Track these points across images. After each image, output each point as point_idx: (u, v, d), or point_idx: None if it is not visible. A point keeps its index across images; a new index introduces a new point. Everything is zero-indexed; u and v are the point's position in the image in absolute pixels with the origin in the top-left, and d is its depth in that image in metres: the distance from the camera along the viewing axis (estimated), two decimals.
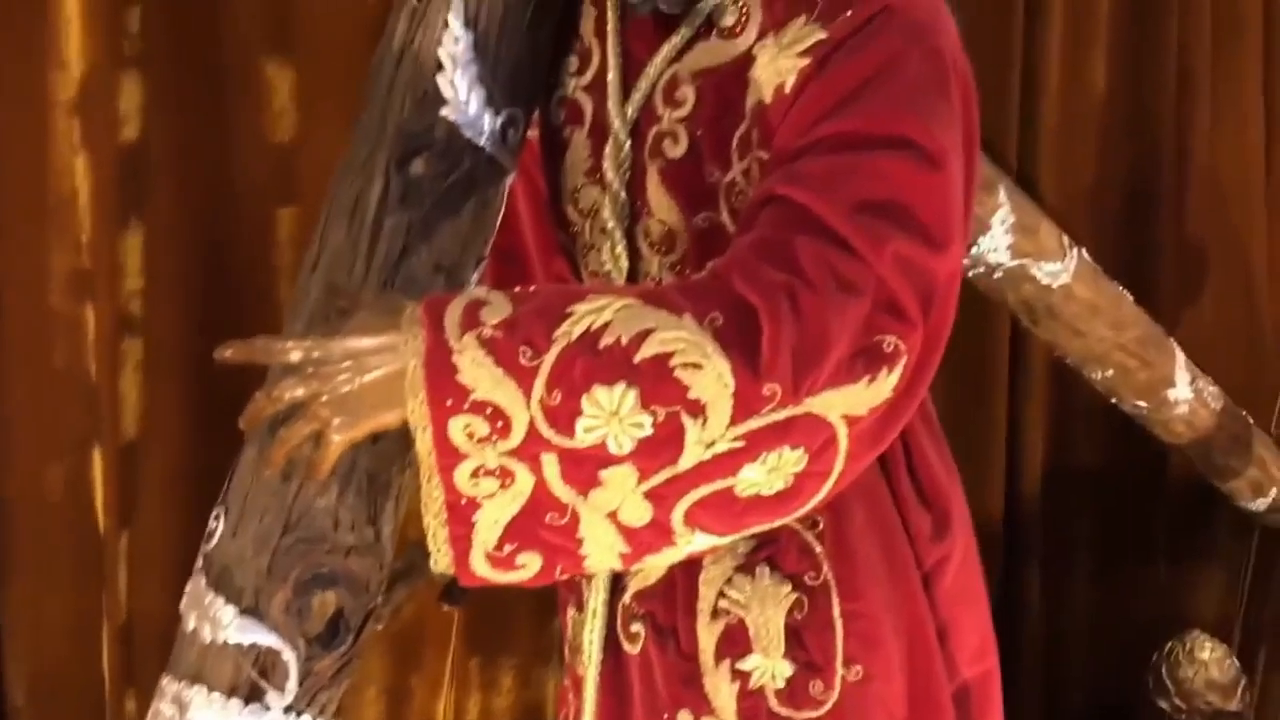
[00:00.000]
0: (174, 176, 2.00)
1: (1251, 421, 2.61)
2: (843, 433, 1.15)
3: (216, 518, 1.24)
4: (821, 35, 1.22)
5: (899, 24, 1.21)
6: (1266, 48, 2.65)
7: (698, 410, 1.10)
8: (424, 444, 1.12)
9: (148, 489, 2.06)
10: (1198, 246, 2.70)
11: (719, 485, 1.14)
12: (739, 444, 1.12)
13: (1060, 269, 2.19)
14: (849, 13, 1.22)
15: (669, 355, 1.10)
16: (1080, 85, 2.52)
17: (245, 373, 1.17)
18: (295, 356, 1.13)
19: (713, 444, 1.11)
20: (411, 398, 1.11)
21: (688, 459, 1.12)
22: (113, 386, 2.02)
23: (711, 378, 1.10)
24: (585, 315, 1.11)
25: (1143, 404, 2.44)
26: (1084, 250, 2.27)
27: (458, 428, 1.11)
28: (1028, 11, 2.46)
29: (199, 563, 1.23)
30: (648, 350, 1.10)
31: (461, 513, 1.13)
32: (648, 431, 1.10)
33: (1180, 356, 2.46)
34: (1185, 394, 2.46)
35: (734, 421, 1.11)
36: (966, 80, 1.25)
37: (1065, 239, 2.22)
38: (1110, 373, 2.38)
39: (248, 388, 1.18)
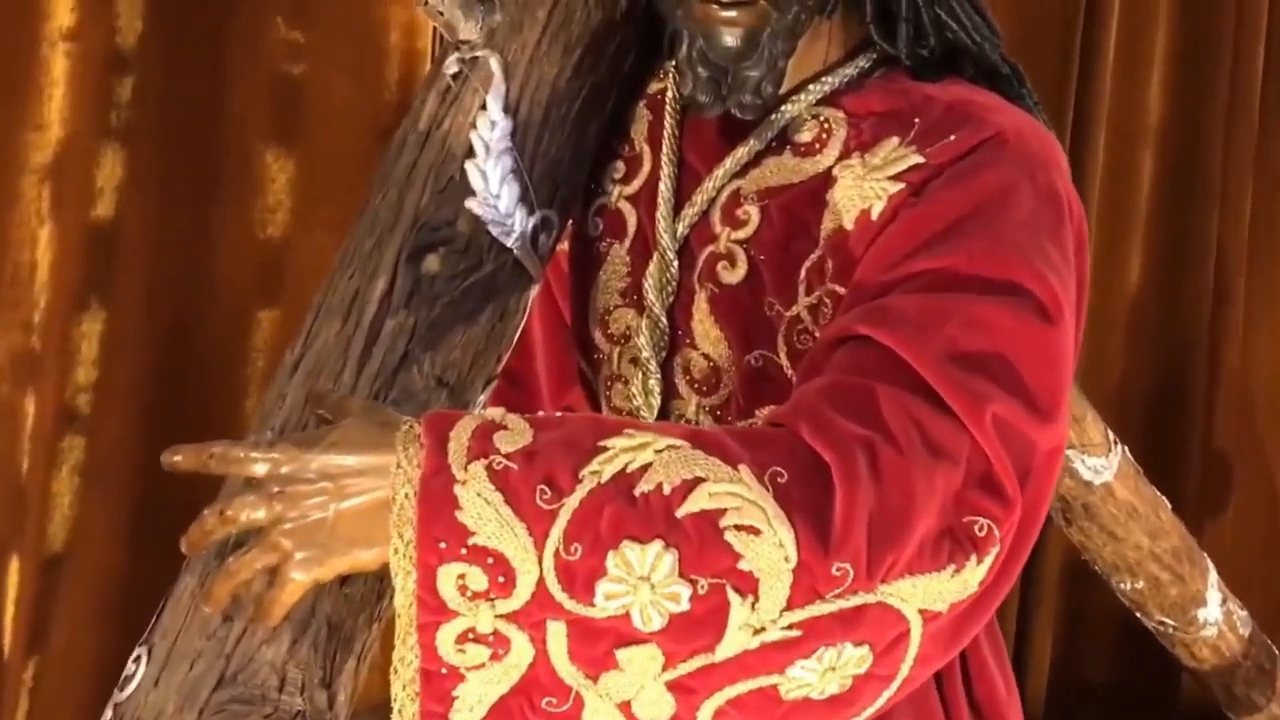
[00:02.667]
0: (146, 261, 1.88)
1: (1278, 653, 2.45)
2: (916, 630, 0.96)
3: (136, 660, 1.04)
4: (918, 160, 1.07)
5: (1011, 154, 1.05)
6: None
7: (748, 586, 0.92)
8: (405, 593, 0.93)
9: (67, 611, 1.87)
10: (1224, 456, 2.63)
11: (762, 683, 0.95)
12: (793, 634, 0.93)
13: (1104, 465, 2.03)
14: (952, 137, 1.06)
15: (719, 513, 0.91)
16: (1113, 278, 2.47)
17: (197, 488, 1.01)
18: (260, 469, 0.94)
19: (762, 630, 0.93)
20: (397, 534, 0.92)
21: (728, 646, 0.93)
22: (44, 488, 1.85)
23: (770, 547, 0.91)
24: (621, 453, 0.92)
25: (1169, 621, 2.28)
26: (1127, 449, 2.12)
27: (449, 577, 0.92)
28: None
29: (107, 714, 1.02)
30: (694, 504, 0.91)
31: (439, 685, 0.94)
32: (684, 606, 0.92)
33: (1213, 575, 2.31)
34: (1215, 615, 2.31)
35: (791, 605, 0.92)
36: (1081, 227, 1.09)
37: (1110, 433, 2.07)
38: (1140, 584, 2.21)
39: (199, 506, 0.98)
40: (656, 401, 1.18)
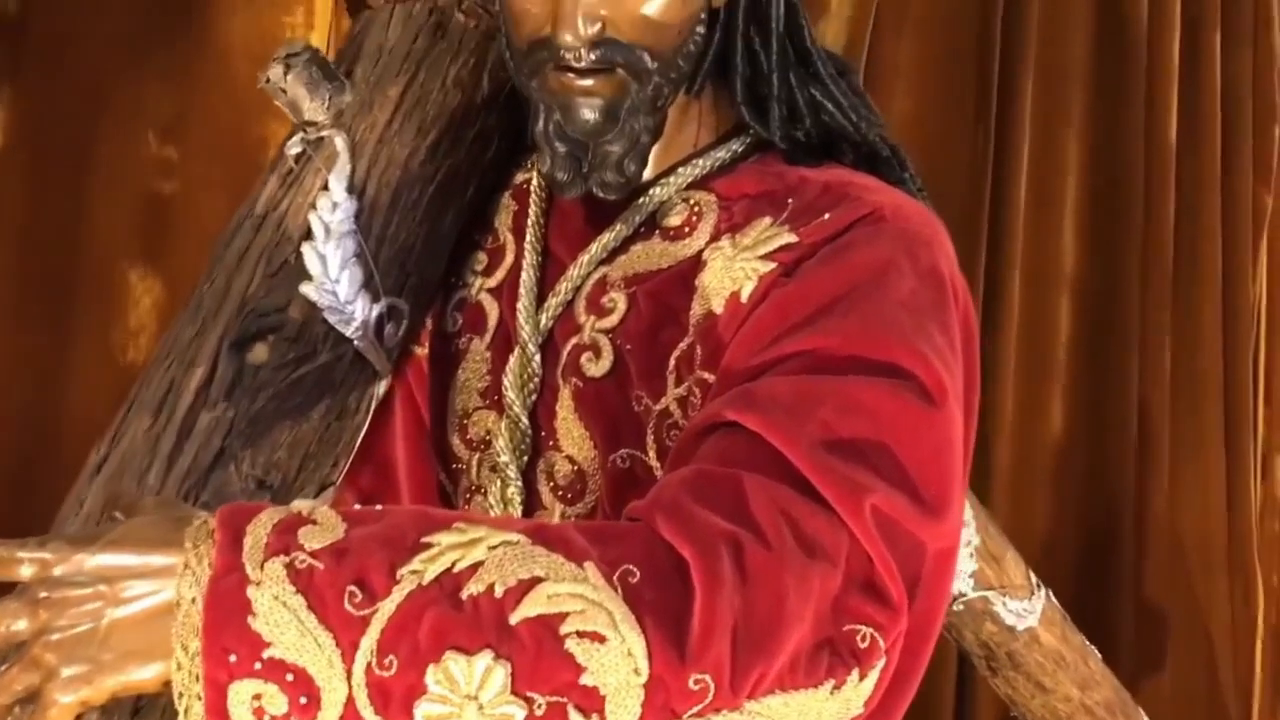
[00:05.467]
0: None
1: None
2: None
3: None
4: (791, 239, 0.99)
5: (889, 231, 0.97)
6: (1227, 407, 2.56)
7: (593, 704, 0.80)
8: (191, 719, 0.79)
9: None
10: (1157, 609, 2.57)
11: None
12: None
13: (1027, 609, 1.92)
14: (826, 216, 0.99)
15: (559, 618, 0.79)
16: (1036, 427, 2.41)
17: None
18: (26, 571, 0.81)
19: None
20: (180, 646, 0.79)
21: None
22: None
23: (617, 657, 0.79)
24: (448, 550, 0.81)
25: None
26: (1051, 592, 2.02)
27: (242, 698, 0.79)
28: (982, 341, 2.34)
29: None
30: (530, 608, 0.79)
31: None
32: None
33: None
34: None
35: None
36: (969, 314, 1.01)
37: (1032, 575, 1.97)
38: None
39: None
40: (517, 513, 1.07)
